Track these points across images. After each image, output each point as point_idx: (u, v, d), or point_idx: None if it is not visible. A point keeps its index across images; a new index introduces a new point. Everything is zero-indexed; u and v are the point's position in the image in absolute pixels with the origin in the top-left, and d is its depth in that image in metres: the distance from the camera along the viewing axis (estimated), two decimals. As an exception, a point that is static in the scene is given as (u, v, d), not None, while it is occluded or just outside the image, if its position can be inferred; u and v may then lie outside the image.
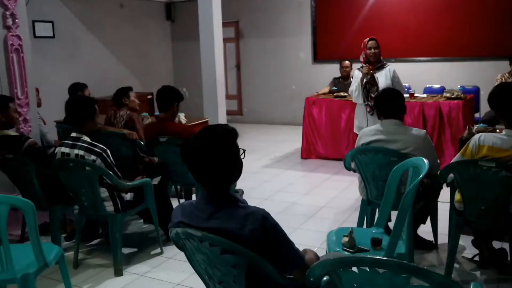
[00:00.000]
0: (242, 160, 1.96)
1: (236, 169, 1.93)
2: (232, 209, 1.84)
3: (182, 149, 1.91)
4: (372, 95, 4.93)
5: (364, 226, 3.62)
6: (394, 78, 4.96)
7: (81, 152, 3.40)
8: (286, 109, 9.95)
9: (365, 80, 4.97)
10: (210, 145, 1.85)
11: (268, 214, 1.83)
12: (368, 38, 5.08)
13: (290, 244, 1.86)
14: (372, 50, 4.98)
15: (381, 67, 5.00)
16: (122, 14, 9.53)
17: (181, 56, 10.93)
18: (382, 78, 4.93)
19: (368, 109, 5.04)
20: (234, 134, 1.92)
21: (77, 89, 5.34)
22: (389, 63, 5.10)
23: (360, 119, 5.16)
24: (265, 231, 1.79)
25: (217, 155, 1.85)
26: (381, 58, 5.08)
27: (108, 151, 3.47)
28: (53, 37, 8.05)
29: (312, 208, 4.89)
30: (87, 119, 3.51)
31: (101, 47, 9.04)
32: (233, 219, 1.80)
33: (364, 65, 5.00)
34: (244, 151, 1.97)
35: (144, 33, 10.13)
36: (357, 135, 5.16)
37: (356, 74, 5.11)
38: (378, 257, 1.61)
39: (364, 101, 5.03)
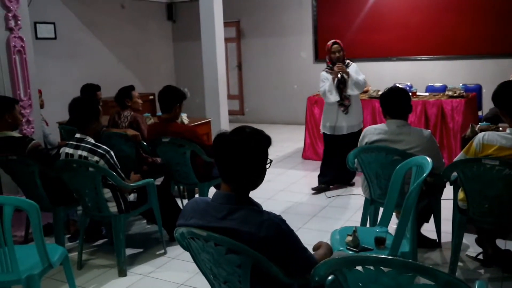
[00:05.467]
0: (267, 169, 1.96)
1: (261, 175, 1.94)
2: (248, 212, 1.84)
3: (216, 140, 1.90)
4: (346, 94, 5.11)
5: (368, 225, 3.62)
6: (356, 72, 5.16)
7: (84, 153, 3.40)
8: (287, 108, 9.95)
9: (336, 80, 5.08)
10: (247, 143, 1.86)
11: (284, 221, 1.83)
12: (331, 42, 5.20)
13: (303, 251, 1.86)
14: (336, 54, 5.14)
15: (347, 66, 5.17)
16: (124, 15, 9.54)
17: (182, 56, 10.94)
18: (352, 73, 5.12)
19: (342, 108, 5.17)
20: (268, 141, 1.94)
21: (90, 91, 5.29)
22: (351, 61, 5.25)
23: (332, 118, 5.24)
24: (279, 239, 1.79)
25: (250, 154, 1.86)
26: (345, 59, 5.21)
27: (112, 152, 3.47)
28: (55, 38, 8.06)
29: (315, 208, 4.89)
30: (91, 120, 3.51)
31: (102, 48, 9.06)
32: (249, 223, 1.80)
33: (336, 64, 5.11)
34: (271, 161, 1.98)
35: (145, 33, 10.14)
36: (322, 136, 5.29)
37: (325, 75, 5.20)
38: (383, 256, 1.61)
39: (339, 101, 5.13)
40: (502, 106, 3.05)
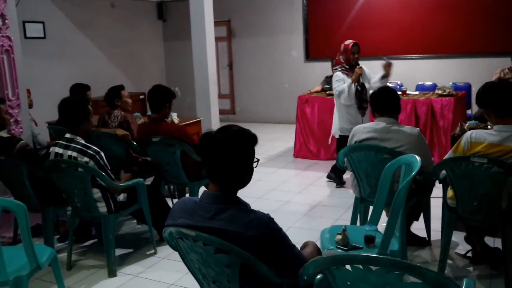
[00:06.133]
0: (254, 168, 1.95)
1: (248, 173, 1.93)
2: (237, 212, 1.83)
3: (203, 139, 1.90)
4: (365, 97, 5.04)
5: (358, 223, 3.63)
6: (369, 74, 5.20)
7: (74, 154, 3.38)
8: (278, 107, 9.96)
9: (355, 83, 5.03)
10: (233, 141, 1.85)
11: (272, 220, 1.82)
12: (351, 42, 5.14)
13: (291, 249, 1.86)
14: (356, 55, 5.11)
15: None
16: (114, 14, 9.50)
17: (173, 55, 10.91)
18: (364, 77, 5.12)
19: (361, 111, 5.13)
20: (255, 140, 1.94)
21: (79, 90, 5.20)
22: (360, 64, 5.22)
23: (352, 121, 5.12)
24: (268, 238, 1.78)
25: (236, 153, 1.86)
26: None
27: (102, 153, 3.45)
28: (44, 37, 8.01)
29: (306, 206, 4.90)
30: (81, 121, 3.49)
31: (92, 47, 9.01)
32: (237, 223, 1.79)
33: (357, 67, 5.07)
34: (258, 160, 1.98)
35: (136, 33, 10.10)
36: (339, 138, 5.24)
37: (341, 76, 5.12)
38: (371, 255, 1.61)
39: (357, 103, 5.08)
40: (486, 106, 3.08)
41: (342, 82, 5.10)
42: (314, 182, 5.77)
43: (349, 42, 5.16)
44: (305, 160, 6.77)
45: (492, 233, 3.69)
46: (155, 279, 3.49)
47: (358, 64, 5.14)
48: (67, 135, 3.48)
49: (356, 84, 5.04)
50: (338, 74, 5.15)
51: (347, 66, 5.14)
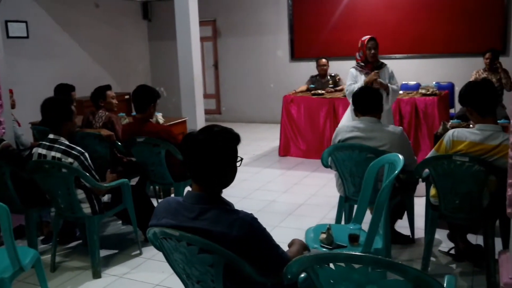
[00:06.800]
0: (237, 168, 1.95)
1: (231, 173, 1.93)
2: (220, 212, 1.83)
3: (185, 140, 1.90)
4: None
5: (343, 222, 3.65)
6: (390, 78, 4.83)
7: (58, 155, 3.35)
8: (264, 107, 9.97)
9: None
10: (214, 141, 1.85)
11: (256, 220, 1.83)
12: (368, 37, 4.86)
13: (275, 249, 1.87)
14: (372, 51, 4.80)
15: (379, 67, 4.86)
16: (98, 14, 9.42)
17: (158, 55, 10.86)
18: (383, 79, 4.78)
19: None
20: (237, 139, 1.93)
21: (64, 91, 5.14)
22: (385, 62, 4.95)
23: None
24: (251, 237, 1.79)
25: (218, 153, 1.85)
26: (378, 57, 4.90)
27: (86, 154, 3.42)
28: (27, 37, 7.91)
29: (291, 206, 4.92)
30: (64, 121, 3.45)
31: (77, 47, 8.93)
32: (221, 223, 1.80)
33: (374, 71, 4.76)
34: (242, 159, 1.97)
35: (120, 32, 10.03)
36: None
37: (355, 73, 4.90)
38: (353, 253, 1.63)
39: None
40: (468, 104, 3.13)
41: (353, 81, 4.87)
42: (300, 181, 5.79)
43: (365, 37, 4.87)
44: (290, 160, 6.79)
45: (474, 231, 3.74)
46: (140, 279, 3.48)
47: (378, 61, 4.89)
48: (51, 136, 3.45)
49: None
50: (351, 72, 4.92)
51: (362, 64, 4.90)
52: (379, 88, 4.60)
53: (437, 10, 8.27)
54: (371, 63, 4.86)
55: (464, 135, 3.06)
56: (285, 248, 2.10)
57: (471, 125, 4.00)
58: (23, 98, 6.60)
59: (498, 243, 3.23)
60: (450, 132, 3.13)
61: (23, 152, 4.66)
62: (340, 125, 3.70)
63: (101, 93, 4.68)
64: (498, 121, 3.29)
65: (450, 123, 4.28)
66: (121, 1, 9.99)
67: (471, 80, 6.31)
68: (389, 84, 4.77)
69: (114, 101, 4.78)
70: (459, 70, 7.96)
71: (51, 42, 8.34)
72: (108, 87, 4.76)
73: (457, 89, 7.16)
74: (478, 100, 3.06)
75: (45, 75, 7.95)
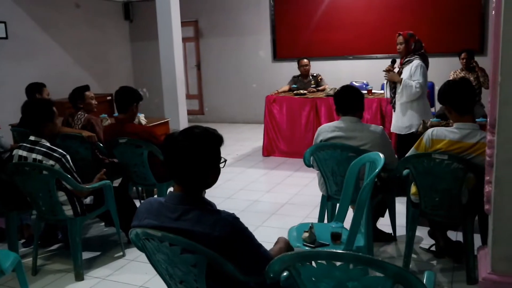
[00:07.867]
0: (221, 169, 1.95)
1: (214, 174, 1.92)
2: (202, 212, 1.83)
3: (165, 142, 1.89)
4: (393, 94, 4.94)
5: (326, 221, 3.68)
6: (412, 74, 4.76)
7: (39, 157, 3.31)
8: (247, 107, 9.99)
9: (386, 79, 4.97)
10: (195, 143, 1.84)
11: (237, 219, 1.84)
12: (398, 33, 4.89)
13: (257, 248, 1.88)
14: (398, 46, 4.86)
15: (408, 62, 4.83)
16: (79, 14, 9.33)
17: (140, 56, 10.80)
18: (405, 74, 4.80)
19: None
20: (220, 140, 1.91)
21: (34, 89, 5.06)
22: (416, 57, 4.81)
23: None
24: (234, 237, 1.79)
25: (200, 154, 1.84)
26: (410, 52, 4.83)
27: (68, 156, 3.38)
28: (6, 38, 7.80)
29: (275, 205, 4.94)
30: (45, 123, 3.41)
31: (57, 47, 8.83)
32: (203, 223, 1.80)
33: (389, 65, 4.95)
34: (225, 160, 1.97)
35: (102, 33, 9.95)
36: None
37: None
38: (334, 251, 1.65)
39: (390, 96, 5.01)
40: (446, 103, 3.18)
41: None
42: (283, 181, 5.82)
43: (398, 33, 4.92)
44: (273, 160, 6.81)
45: (454, 228, 3.80)
46: (124, 281, 3.46)
47: (407, 56, 4.84)
48: (32, 138, 3.40)
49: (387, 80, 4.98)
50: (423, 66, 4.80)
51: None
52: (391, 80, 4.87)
53: (416, 11, 8.37)
54: (402, 58, 4.93)
55: (443, 133, 3.11)
56: (270, 247, 2.12)
57: (450, 124, 4.06)
58: (2, 99, 6.52)
59: (477, 239, 3.29)
60: (430, 130, 3.18)
61: (3, 154, 4.60)
62: (324, 125, 3.72)
63: (79, 94, 4.62)
64: (476, 120, 3.36)
65: (429, 121, 4.34)
66: (102, 2, 9.91)
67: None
68: (403, 79, 4.77)
69: (93, 101, 4.73)
70: (438, 70, 8.03)
71: (31, 43, 8.23)
72: (87, 88, 4.71)
73: (437, 88, 7.29)
74: (456, 99, 3.12)
75: (25, 76, 7.81)
